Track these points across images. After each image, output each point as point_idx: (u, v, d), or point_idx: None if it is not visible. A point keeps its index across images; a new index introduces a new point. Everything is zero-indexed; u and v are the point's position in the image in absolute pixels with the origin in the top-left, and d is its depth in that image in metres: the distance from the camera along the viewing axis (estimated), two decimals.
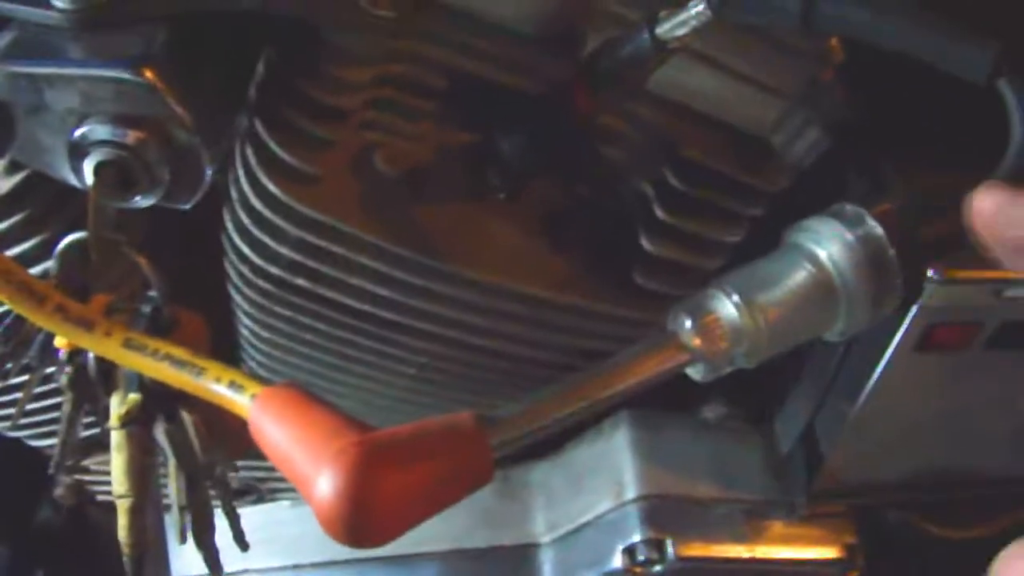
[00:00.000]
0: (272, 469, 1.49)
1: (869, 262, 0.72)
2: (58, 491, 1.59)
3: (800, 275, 0.73)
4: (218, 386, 0.72)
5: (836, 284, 0.73)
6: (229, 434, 0.89)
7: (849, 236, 0.73)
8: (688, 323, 0.71)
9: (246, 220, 1.04)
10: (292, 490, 1.59)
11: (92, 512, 1.81)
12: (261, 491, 1.57)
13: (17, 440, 1.46)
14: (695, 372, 0.73)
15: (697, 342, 0.71)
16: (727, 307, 0.71)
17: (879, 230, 0.72)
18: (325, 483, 0.59)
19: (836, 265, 0.73)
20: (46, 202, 1.02)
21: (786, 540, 1.46)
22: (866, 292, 0.73)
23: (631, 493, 1.45)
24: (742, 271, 0.74)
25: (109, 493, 1.55)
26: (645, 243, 1.10)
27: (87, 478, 1.56)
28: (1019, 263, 0.68)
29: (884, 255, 0.72)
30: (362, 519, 0.59)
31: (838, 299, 0.73)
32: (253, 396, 0.69)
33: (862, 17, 0.75)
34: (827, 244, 0.73)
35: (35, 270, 1.02)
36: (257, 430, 0.67)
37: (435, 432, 0.63)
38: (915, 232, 0.74)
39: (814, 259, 0.73)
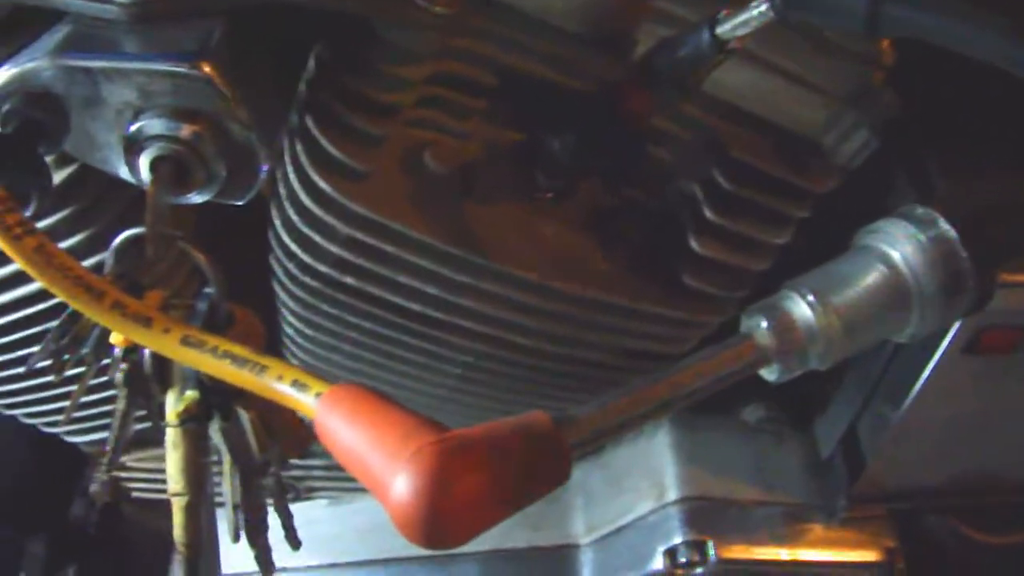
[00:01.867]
0: (310, 468, 1.49)
1: (942, 264, 0.72)
2: (94, 487, 1.59)
3: (874, 276, 0.72)
4: (281, 384, 0.71)
5: (910, 285, 0.72)
6: (286, 432, 0.89)
7: (922, 237, 0.72)
8: (764, 323, 0.71)
9: (294, 216, 1.04)
10: (329, 489, 1.59)
11: (126, 508, 1.81)
12: (298, 489, 1.57)
13: (53, 436, 1.46)
14: (769, 373, 0.73)
15: (773, 343, 0.71)
16: (802, 308, 0.71)
17: (952, 232, 0.72)
18: (402, 484, 0.58)
19: (910, 266, 0.72)
20: (96, 196, 1.02)
21: (826, 543, 1.46)
22: (939, 294, 0.72)
23: (672, 495, 1.45)
24: (816, 273, 0.74)
25: (145, 490, 1.57)
26: (693, 243, 1.10)
27: (123, 475, 1.56)
28: None
29: (957, 257, 0.72)
30: (440, 521, 0.58)
31: (911, 301, 0.73)
32: (318, 395, 0.68)
33: (928, 20, 0.74)
34: (900, 245, 0.73)
35: (85, 263, 1.02)
36: (324, 430, 0.66)
37: (511, 432, 0.63)
38: (988, 234, 0.73)
39: (888, 260, 0.73)
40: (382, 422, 0.63)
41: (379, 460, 0.61)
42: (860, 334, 0.72)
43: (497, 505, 0.60)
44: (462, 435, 0.61)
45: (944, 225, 0.72)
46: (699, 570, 1.40)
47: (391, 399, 0.66)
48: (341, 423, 0.65)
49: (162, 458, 0.91)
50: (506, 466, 0.61)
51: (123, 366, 0.88)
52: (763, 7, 0.81)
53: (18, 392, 1.30)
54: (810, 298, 0.71)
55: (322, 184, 0.99)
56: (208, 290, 0.86)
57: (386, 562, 1.57)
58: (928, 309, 0.73)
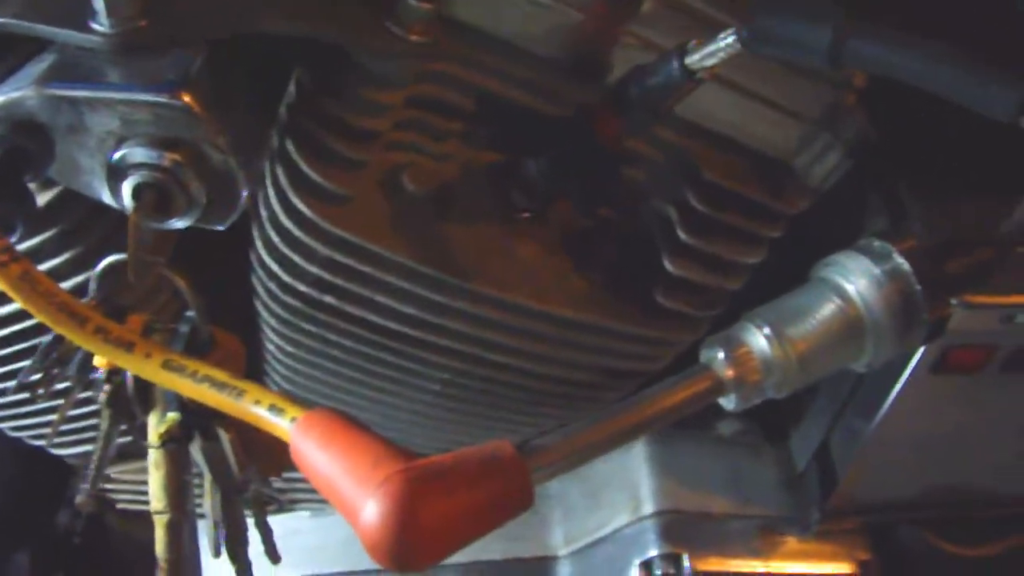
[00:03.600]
0: (292, 480, 1.50)
1: (896, 297, 0.74)
2: (79, 498, 1.60)
3: (829, 309, 0.74)
4: (258, 408, 0.73)
5: (864, 318, 0.74)
6: (266, 452, 0.91)
7: (877, 271, 0.74)
8: (721, 355, 0.73)
9: (275, 238, 1.06)
10: (311, 501, 1.61)
11: (111, 519, 1.83)
12: (280, 501, 1.58)
13: (38, 447, 1.48)
14: (727, 402, 0.75)
15: (730, 373, 0.73)
16: (759, 340, 0.73)
17: (906, 266, 0.74)
18: (371, 510, 0.61)
19: (864, 300, 0.74)
20: (78, 218, 1.03)
21: (800, 555, 1.48)
22: (893, 326, 0.74)
23: (648, 508, 1.46)
24: (773, 304, 0.76)
25: (129, 501, 1.58)
26: (667, 264, 1.12)
27: (108, 486, 1.57)
28: None
29: (911, 290, 0.74)
30: (407, 545, 0.61)
31: (865, 333, 0.75)
32: (293, 419, 0.70)
33: (890, 55, 0.76)
34: (855, 279, 0.75)
35: (66, 284, 1.04)
36: (299, 454, 0.69)
37: (476, 460, 0.65)
38: (941, 267, 0.75)
39: (842, 293, 0.75)
40: (353, 448, 0.65)
41: (350, 486, 0.63)
42: (815, 365, 0.74)
43: (461, 531, 0.63)
44: (428, 463, 0.63)
45: (898, 259, 0.74)
46: None
47: (364, 425, 0.69)
48: (314, 448, 0.68)
49: (145, 471, 0.93)
50: (470, 494, 0.63)
51: (106, 388, 0.90)
52: (730, 39, 0.84)
53: (3, 407, 1.31)
54: (766, 330, 0.73)
55: (302, 207, 1.00)
56: (190, 314, 0.88)
57: (367, 573, 1.59)
58: (882, 340, 0.75)
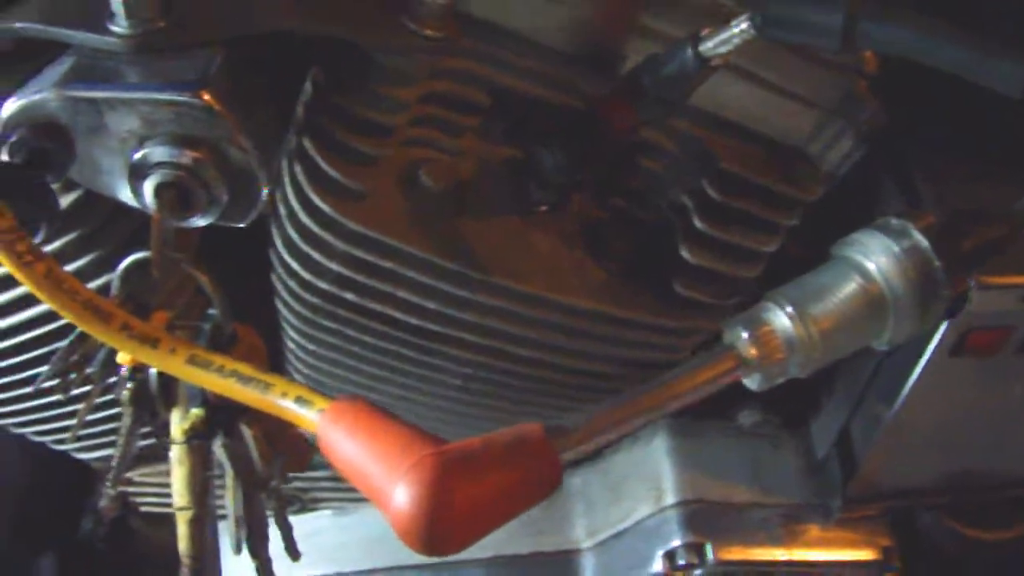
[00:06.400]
0: (314, 479, 1.51)
1: (916, 273, 0.75)
2: (102, 502, 1.61)
3: (850, 287, 0.75)
4: (285, 401, 0.74)
5: (885, 295, 0.75)
6: (289, 448, 0.92)
7: (896, 248, 0.75)
8: (745, 335, 0.74)
9: (295, 235, 1.06)
10: (333, 500, 1.62)
11: (135, 523, 1.84)
12: (303, 501, 1.59)
13: (62, 452, 1.49)
14: (751, 382, 0.76)
15: (753, 353, 0.74)
16: (781, 319, 0.74)
17: (925, 242, 0.75)
18: (402, 495, 0.61)
19: (885, 277, 0.75)
20: (101, 220, 1.04)
21: (822, 543, 1.48)
22: (913, 302, 0.75)
23: (670, 499, 1.47)
24: (795, 284, 0.76)
25: (152, 504, 1.59)
26: (684, 253, 1.12)
27: (131, 489, 1.58)
28: None
29: (930, 266, 0.75)
30: (438, 529, 0.61)
31: (887, 310, 0.75)
32: (321, 411, 0.71)
33: (902, 35, 0.77)
34: (876, 257, 0.75)
35: (91, 285, 1.04)
36: (327, 444, 0.69)
37: (505, 443, 0.65)
38: (959, 243, 0.76)
39: (863, 271, 0.75)
40: (382, 435, 0.66)
41: (379, 472, 0.64)
42: (838, 342, 0.75)
43: (491, 514, 0.63)
44: (458, 447, 0.64)
45: (917, 235, 0.75)
46: (697, 572, 1.42)
47: (390, 413, 0.69)
48: (343, 437, 0.68)
49: (168, 473, 0.94)
50: (500, 476, 0.64)
51: (129, 385, 0.91)
52: (744, 25, 0.84)
53: (28, 411, 1.32)
54: (789, 309, 0.74)
55: (320, 203, 1.01)
56: (212, 311, 0.89)
57: (390, 571, 1.59)
58: (903, 317, 0.75)
